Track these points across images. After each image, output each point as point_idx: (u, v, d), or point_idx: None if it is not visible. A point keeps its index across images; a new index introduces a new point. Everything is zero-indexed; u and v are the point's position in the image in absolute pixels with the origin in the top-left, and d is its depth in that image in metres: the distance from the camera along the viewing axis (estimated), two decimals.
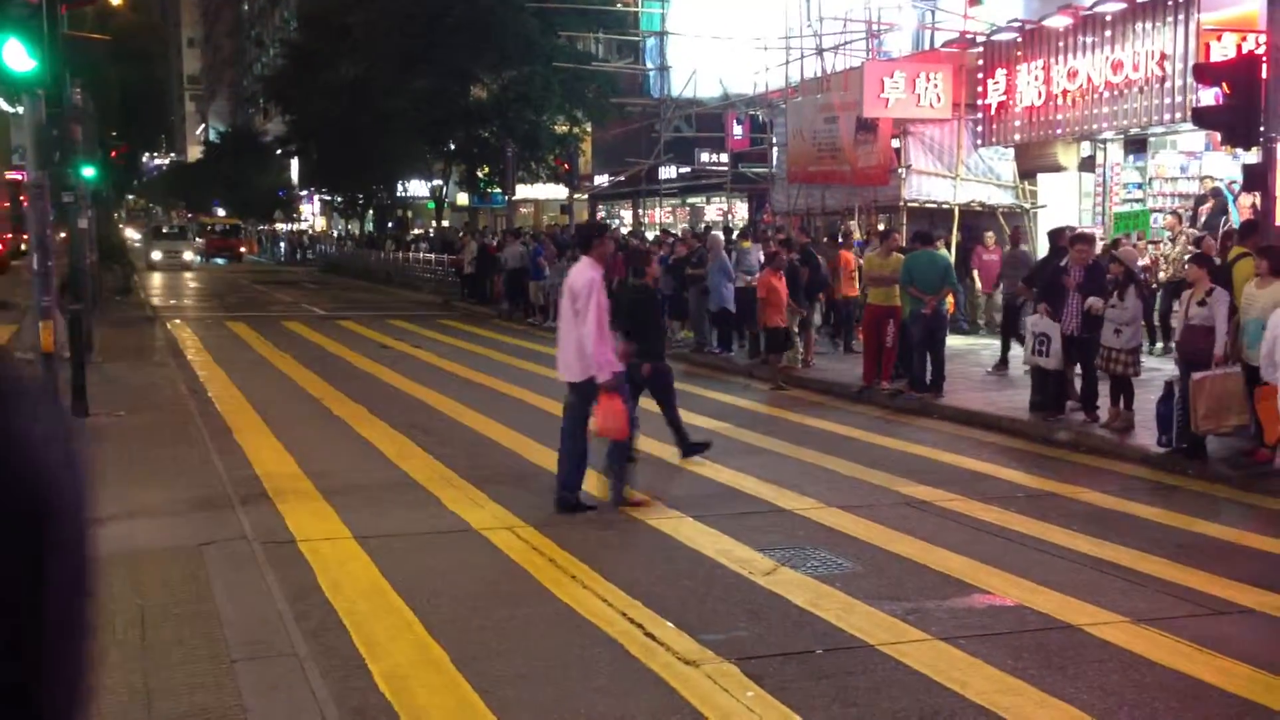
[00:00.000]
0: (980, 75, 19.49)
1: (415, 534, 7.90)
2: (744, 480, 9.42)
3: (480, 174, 41.37)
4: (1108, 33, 16.74)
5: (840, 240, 19.92)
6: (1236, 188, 15.50)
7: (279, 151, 61.86)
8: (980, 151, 20.33)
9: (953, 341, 15.34)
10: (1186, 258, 12.65)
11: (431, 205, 50.23)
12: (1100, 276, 11.26)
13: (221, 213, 77.67)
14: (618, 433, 8.33)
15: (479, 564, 7.24)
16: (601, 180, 43.64)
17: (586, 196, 44.78)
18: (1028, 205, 20.46)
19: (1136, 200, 18.60)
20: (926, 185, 20.42)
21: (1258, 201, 11.89)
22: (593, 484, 8.69)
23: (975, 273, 18.95)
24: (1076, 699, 5.13)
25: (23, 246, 33.18)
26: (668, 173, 36.37)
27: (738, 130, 30.62)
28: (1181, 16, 15.46)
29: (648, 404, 9.81)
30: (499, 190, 39.33)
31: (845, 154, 21.16)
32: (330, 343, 20.35)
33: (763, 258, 17.52)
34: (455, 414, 12.81)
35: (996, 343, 15.95)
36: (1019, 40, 18.57)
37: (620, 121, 37.78)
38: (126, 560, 7.00)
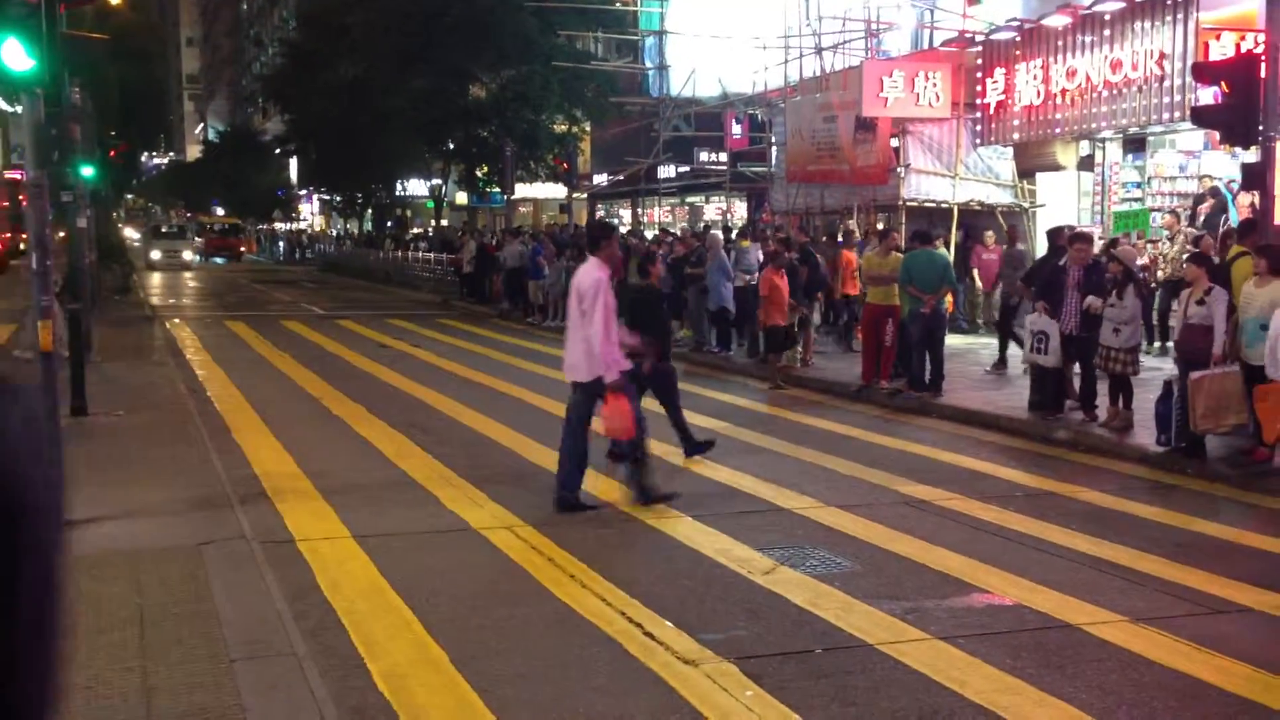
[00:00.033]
0: (979, 74, 19.50)
1: (414, 533, 7.90)
2: (743, 479, 9.42)
3: (479, 173, 41.36)
4: (1106, 32, 16.75)
5: (841, 240, 19.94)
6: (1235, 186, 15.50)
7: (278, 151, 61.86)
8: (979, 150, 20.34)
9: (952, 341, 15.35)
10: (1185, 257, 12.64)
11: (430, 204, 50.24)
12: (1099, 275, 11.27)
13: (220, 212, 77.68)
14: (623, 432, 8.34)
15: (478, 563, 7.24)
16: (600, 179, 43.65)
17: (585, 196, 44.79)
18: (1026, 204, 20.47)
19: (1135, 199, 18.60)
20: (925, 184, 20.43)
21: (1256, 200, 11.90)
22: (593, 484, 8.69)
23: (975, 272, 18.96)
24: (1075, 698, 5.13)
25: (21, 245, 33.17)
26: (667, 172, 36.36)
27: (736, 129, 30.62)
28: (1180, 15, 15.46)
29: (649, 404, 9.80)
30: (498, 189, 39.31)
31: (844, 153, 21.17)
32: (329, 342, 20.35)
33: (761, 257, 17.54)
34: (454, 413, 12.82)
35: (996, 342, 15.95)
36: (1018, 39, 18.58)
37: (619, 121, 37.78)
38: (125, 559, 7.01)
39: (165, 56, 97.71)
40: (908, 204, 20.20)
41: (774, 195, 26.28)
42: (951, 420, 12.39)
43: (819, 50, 23.64)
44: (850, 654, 5.66)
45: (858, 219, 21.71)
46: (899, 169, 20.28)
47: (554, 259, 23.44)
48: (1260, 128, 10.91)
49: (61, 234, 13.96)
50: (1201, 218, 15.86)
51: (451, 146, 41.08)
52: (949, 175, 20.20)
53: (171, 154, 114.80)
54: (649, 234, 28.84)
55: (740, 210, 35.57)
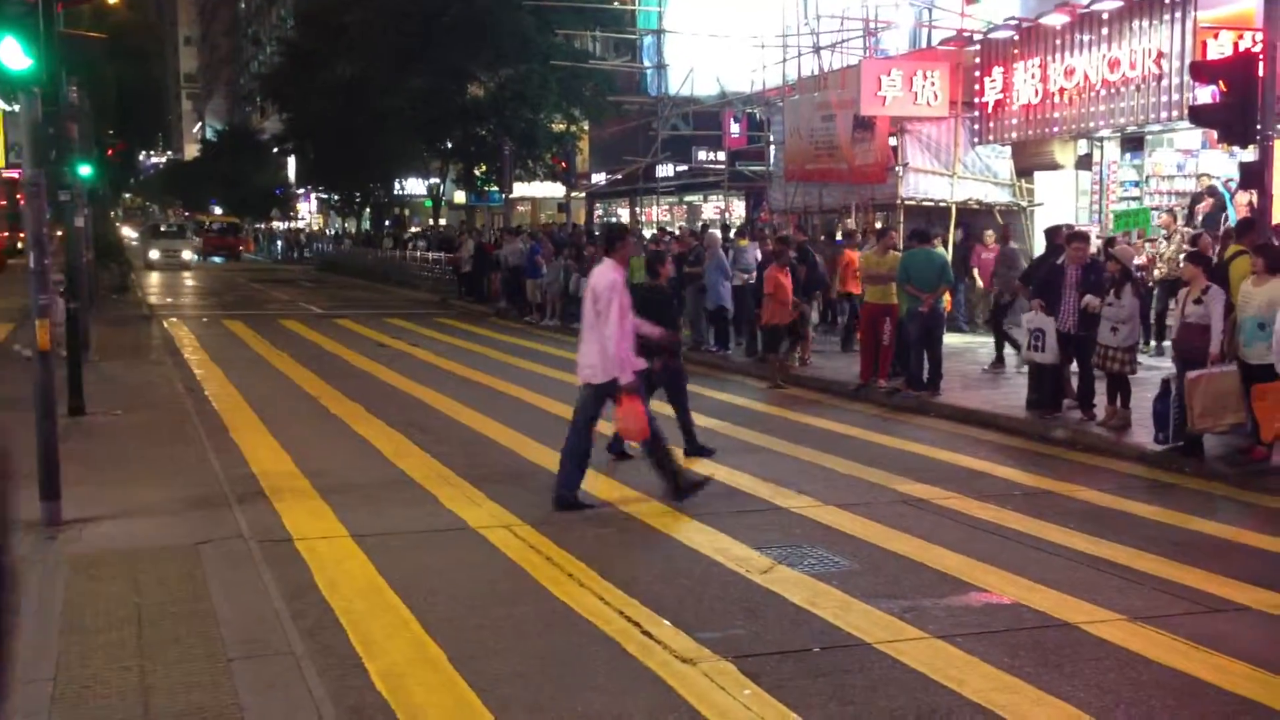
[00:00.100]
0: (977, 73, 19.50)
1: (412, 532, 7.90)
2: (741, 478, 9.42)
3: (477, 172, 41.35)
4: (1105, 31, 16.75)
5: (840, 239, 19.95)
6: (1233, 185, 15.50)
7: (276, 150, 61.78)
8: (977, 149, 20.34)
9: (950, 340, 15.35)
10: (1182, 256, 12.65)
11: (429, 203, 50.22)
12: (1098, 274, 11.27)
13: (218, 211, 77.64)
14: (639, 434, 8.35)
15: (476, 562, 7.24)
16: (599, 178, 43.65)
17: (584, 195, 44.78)
18: (1025, 203, 20.47)
19: (1133, 198, 18.60)
20: (924, 183, 20.43)
21: (1254, 199, 11.90)
22: (592, 483, 8.68)
23: (975, 271, 18.97)
24: (1073, 697, 5.14)
25: (19, 245, 33.14)
26: (665, 171, 36.37)
27: (735, 128, 30.62)
28: (1178, 14, 15.47)
29: (657, 405, 9.80)
30: (496, 189, 39.32)
31: (842, 152, 21.16)
32: (327, 341, 20.35)
33: (759, 255, 17.54)
34: (452, 412, 12.81)
35: (993, 341, 15.94)
36: (1016, 38, 18.58)
37: (617, 120, 37.78)
38: (123, 559, 7.01)
39: (163, 55, 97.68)
40: (906, 203, 20.19)
41: (772, 194, 26.28)
42: (949, 419, 12.39)
43: (817, 49, 23.62)
44: (848, 653, 5.67)
45: (856, 218, 21.71)
46: (897, 168, 20.28)
47: (552, 258, 23.45)
48: (1258, 126, 10.93)
49: (59, 233, 13.94)
50: (1200, 217, 15.86)
51: (449, 145, 41.06)
52: (947, 174, 20.20)
53: (169, 153, 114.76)
54: (646, 233, 28.84)
55: (738, 209, 35.57)
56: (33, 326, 7.81)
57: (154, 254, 49.43)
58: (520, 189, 42.08)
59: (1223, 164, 16.75)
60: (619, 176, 38.76)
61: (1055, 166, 19.94)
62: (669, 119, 31.51)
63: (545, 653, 5.68)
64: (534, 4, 33.28)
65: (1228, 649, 5.69)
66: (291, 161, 65.53)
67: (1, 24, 7.98)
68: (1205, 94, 13.35)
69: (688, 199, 41.06)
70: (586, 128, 41.35)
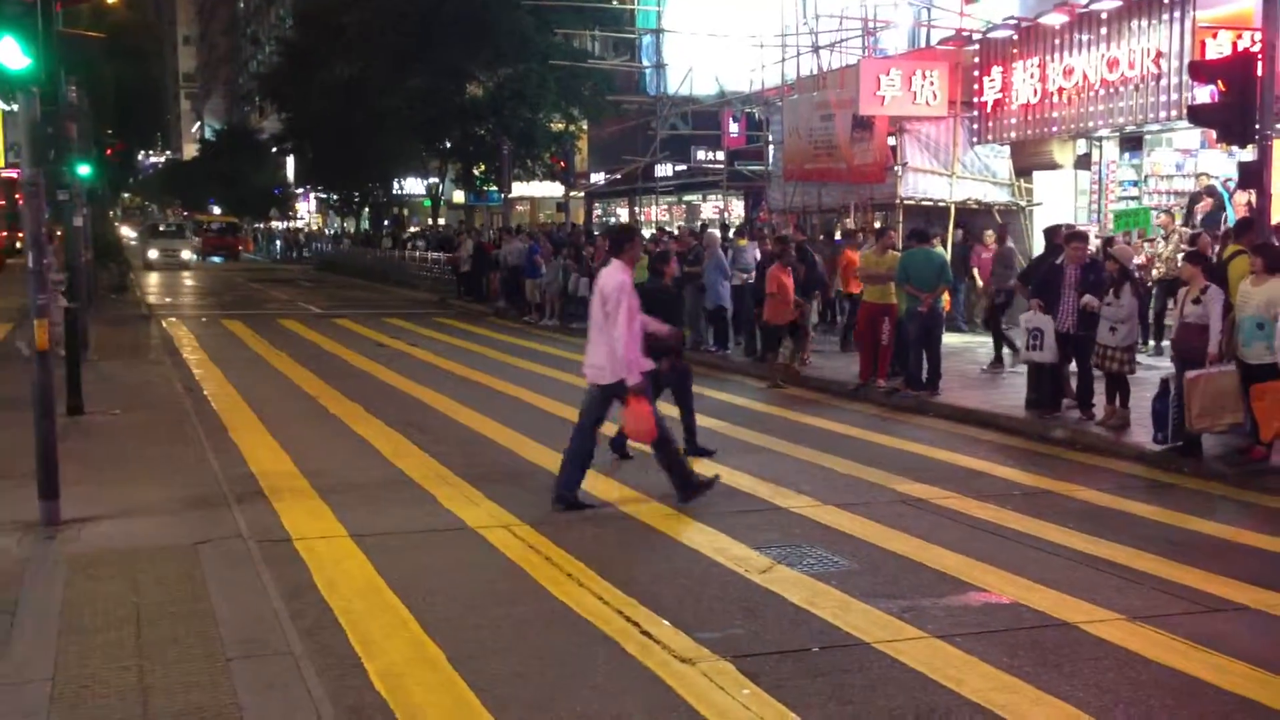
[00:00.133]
0: (976, 73, 19.50)
1: (411, 532, 7.89)
2: (740, 478, 9.41)
3: (476, 172, 41.35)
4: (1103, 30, 16.75)
5: (840, 238, 19.94)
6: (1232, 185, 15.51)
7: (274, 150, 61.78)
8: (976, 149, 20.34)
9: (949, 339, 15.36)
10: (1180, 255, 12.65)
11: (428, 203, 50.23)
12: (1097, 274, 11.27)
13: (217, 210, 77.59)
14: (645, 435, 8.35)
15: (475, 562, 7.24)
16: (598, 178, 43.64)
17: (583, 194, 44.78)
18: (1023, 203, 20.47)
19: (1132, 198, 18.61)
20: (922, 183, 20.42)
21: (1253, 199, 11.90)
22: (591, 483, 8.67)
23: (975, 271, 18.96)
24: (1072, 696, 5.14)
25: (18, 244, 33.13)
26: (664, 170, 36.38)
27: (734, 128, 30.60)
28: (1177, 14, 15.47)
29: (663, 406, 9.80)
30: (495, 188, 39.30)
31: (841, 151, 21.16)
32: (326, 341, 20.34)
33: (758, 255, 17.53)
34: (451, 412, 12.81)
35: (992, 340, 15.94)
36: (1015, 38, 18.58)
37: (616, 119, 37.78)
38: (122, 558, 7.01)
39: (162, 55, 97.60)
40: (905, 202, 20.19)
41: (771, 194, 26.28)
42: (948, 419, 12.39)
43: (816, 49, 23.62)
44: (847, 652, 5.67)
45: (855, 217, 21.71)
46: (896, 167, 20.28)
47: (550, 258, 23.45)
48: (1257, 126, 10.93)
49: (58, 233, 13.93)
50: (1199, 216, 15.87)
51: (448, 145, 41.06)
52: (946, 174, 20.19)
53: (168, 153, 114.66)
54: (645, 233, 28.84)
55: (737, 209, 35.57)
56: (32, 325, 7.80)
57: (153, 254, 49.33)
58: (519, 189, 42.06)
59: (1221, 163, 16.76)
60: (618, 176, 38.75)
61: (1054, 166, 19.94)
62: (668, 118, 31.51)
63: (544, 652, 5.68)
64: (533, 3, 33.28)
65: (1227, 648, 5.69)
66: (290, 161, 65.56)
67: (0, 23, 7.97)
68: (1204, 94, 13.35)
69: (686, 198, 41.07)
70: (585, 127, 41.35)
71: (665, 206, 41.84)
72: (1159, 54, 15.71)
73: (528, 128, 37.61)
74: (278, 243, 71.29)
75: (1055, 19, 17.56)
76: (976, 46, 19.81)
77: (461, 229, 40.47)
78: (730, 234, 21.02)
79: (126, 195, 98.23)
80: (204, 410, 12.68)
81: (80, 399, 11.97)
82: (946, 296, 15.33)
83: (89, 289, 19.36)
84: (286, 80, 49.07)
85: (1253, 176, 11.36)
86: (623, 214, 44.35)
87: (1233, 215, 14.65)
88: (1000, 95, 18.88)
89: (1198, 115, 12.69)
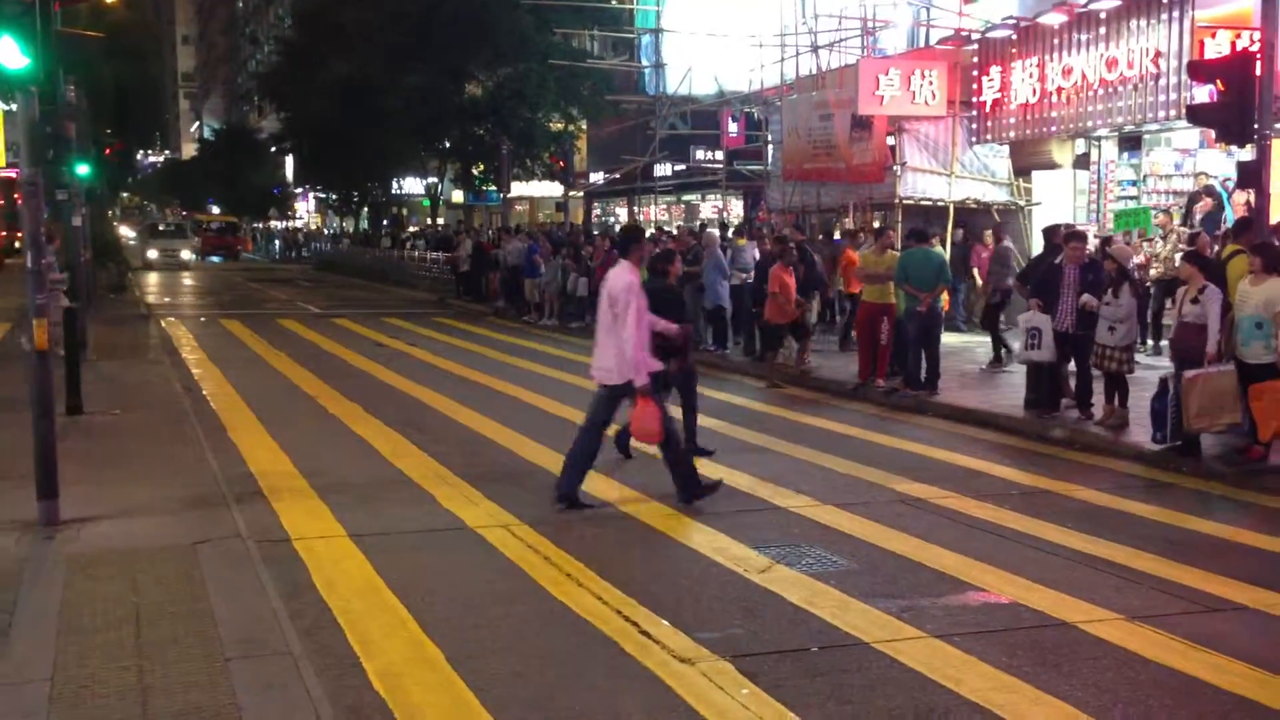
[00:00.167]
0: (975, 72, 19.50)
1: (410, 532, 7.89)
2: (739, 478, 9.41)
3: (475, 171, 41.34)
4: (1102, 30, 16.75)
5: (839, 238, 19.94)
6: (1230, 185, 15.51)
7: (273, 149, 61.76)
8: (975, 149, 20.34)
9: (948, 339, 15.36)
10: (1178, 255, 12.66)
11: (427, 203, 50.21)
12: (1096, 273, 11.27)
13: (216, 210, 77.56)
14: (652, 435, 8.35)
15: (474, 562, 7.24)
16: (597, 178, 43.64)
17: (582, 194, 44.79)
18: (1022, 202, 20.48)
19: (1131, 197, 18.61)
20: (921, 182, 20.43)
21: (1251, 199, 11.91)
22: (590, 483, 8.66)
23: (975, 271, 18.97)
24: (1071, 696, 5.14)
25: (16, 244, 33.13)
26: (663, 170, 36.39)
27: (733, 128, 30.64)
28: (1176, 14, 15.47)
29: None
30: (494, 188, 39.31)
31: (840, 151, 21.16)
32: (325, 340, 20.34)
33: (757, 255, 17.53)
34: (450, 412, 12.81)
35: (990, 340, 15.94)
36: (1014, 37, 18.58)
37: (615, 119, 37.78)
38: (121, 558, 7.01)
39: (160, 54, 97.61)
40: (904, 202, 20.20)
41: (770, 193, 26.28)
42: (947, 418, 12.39)
43: (815, 48, 23.63)
44: (846, 652, 5.67)
45: (853, 217, 21.71)
46: (895, 167, 20.28)
47: (549, 257, 23.44)
48: (1255, 126, 10.94)
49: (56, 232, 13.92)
50: (1200, 216, 15.87)
51: (447, 145, 41.06)
52: (945, 173, 20.20)
53: (167, 152, 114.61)
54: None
55: (737, 208, 35.58)
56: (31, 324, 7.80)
57: (152, 253, 49.26)
58: (518, 188, 42.08)
59: (1220, 163, 16.77)
60: (617, 176, 38.75)
61: (1053, 166, 19.95)
62: (667, 118, 31.52)
63: (543, 652, 5.68)
64: (532, 3, 33.28)
65: (1225, 648, 5.70)
66: (289, 161, 65.48)
67: None
68: (1203, 93, 13.35)
69: (686, 198, 41.07)
70: (584, 127, 41.36)
71: (664, 206, 41.85)
72: (1158, 53, 15.71)
73: (527, 127, 37.61)
74: (276, 242, 71.25)
75: (1054, 19, 17.56)
76: (975, 46, 19.81)
77: (460, 229, 40.47)
78: (729, 234, 21.02)
79: (125, 195, 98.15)
80: (203, 410, 12.68)
81: (79, 399, 11.97)
82: (945, 296, 15.34)
83: (88, 289, 19.35)
84: (285, 80, 49.05)
85: (1251, 176, 11.37)
86: (622, 214, 44.34)
87: (1231, 215, 14.65)
88: (999, 95, 18.89)
89: (1196, 115, 12.70)
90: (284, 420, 12.12)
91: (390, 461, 10.10)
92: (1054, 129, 18.14)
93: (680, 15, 30.84)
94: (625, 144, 36.62)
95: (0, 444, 9.91)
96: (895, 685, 5.26)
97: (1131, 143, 18.71)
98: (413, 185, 52.93)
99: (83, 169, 15.73)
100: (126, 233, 66.85)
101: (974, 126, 19.91)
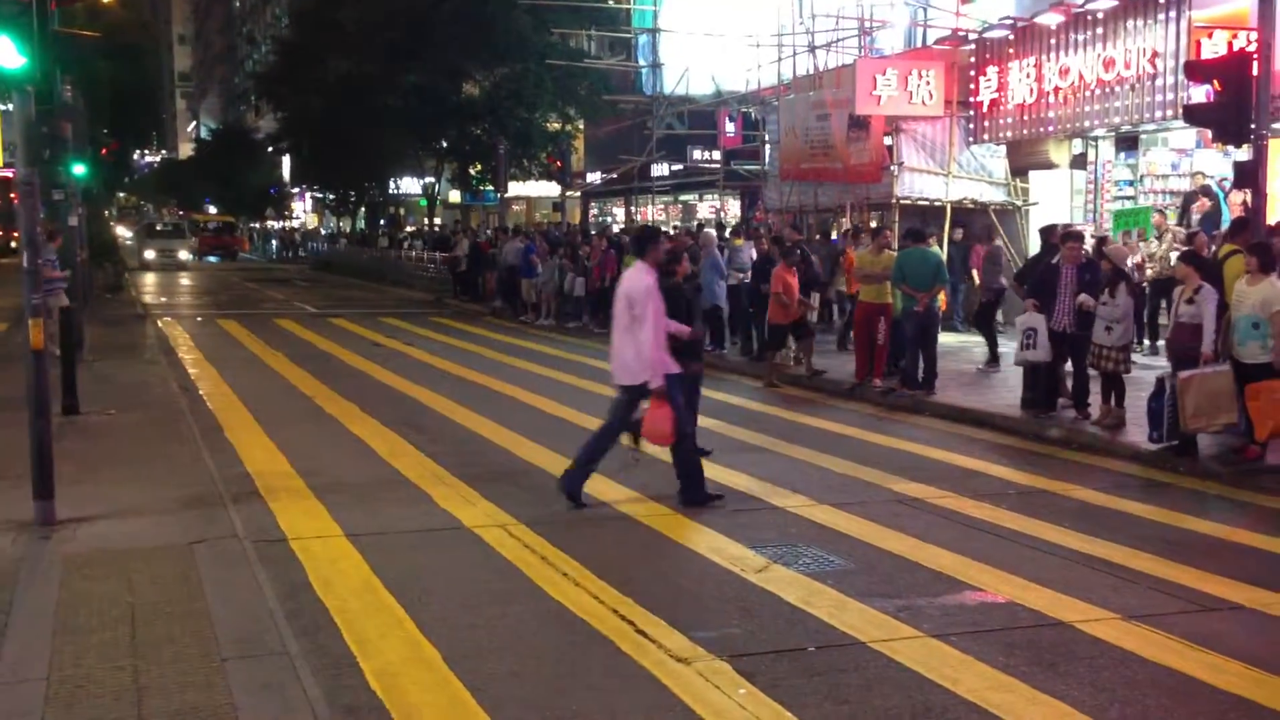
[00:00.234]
0: (972, 72, 19.50)
1: (407, 532, 7.89)
2: (736, 477, 9.41)
3: (472, 171, 41.32)
4: (1099, 30, 16.76)
5: (835, 238, 19.94)
6: (1227, 185, 15.53)
7: (270, 149, 61.72)
8: (972, 149, 20.34)
9: (945, 339, 15.36)
10: (1173, 255, 12.67)
11: (424, 202, 50.19)
12: (1094, 273, 11.28)
13: (213, 210, 77.51)
14: (664, 437, 8.34)
15: (471, 562, 7.23)
16: (594, 177, 43.64)
17: (579, 194, 44.79)
18: (1019, 202, 20.49)
19: (1128, 197, 18.62)
20: (919, 182, 20.43)
21: (1248, 198, 11.92)
22: (590, 483, 8.66)
23: (975, 270, 18.97)
24: (1068, 695, 5.14)
25: (13, 244, 33.09)
26: (660, 170, 36.40)
27: (730, 127, 30.66)
28: (1173, 14, 15.47)
29: None
30: (491, 188, 39.29)
31: (837, 151, 21.17)
32: (322, 340, 20.33)
33: (754, 255, 17.52)
34: (447, 411, 12.80)
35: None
36: (1011, 37, 18.58)
37: (613, 119, 37.77)
38: (117, 558, 7.00)
39: (157, 54, 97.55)
40: (901, 202, 20.20)
41: (767, 193, 26.28)
42: (944, 418, 12.40)
43: (812, 48, 23.63)
44: (843, 652, 5.67)
45: (851, 217, 21.71)
46: (892, 167, 20.28)
47: (546, 257, 23.44)
48: (1252, 125, 10.94)
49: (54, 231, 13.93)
50: (1197, 217, 15.88)
51: (445, 144, 41.04)
52: (942, 173, 20.21)
53: (164, 152, 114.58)
54: None
55: (734, 208, 35.59)
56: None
57: (149, 253, 49.24)
58: (515, 188, 42.05)
59: (1217, 163, 16.78)
60: (614, 176, 38.75)
61: (1050, 166, 19.95)
62: (664, 118, 31.52)
63: (540, 652, 5.68)
64: (530, 2, 33.26)
65: (1222, 648, 5.70)
66: (286, 160, 65.43)
67: None
68: (1200, 93, 13.37)
69: (683, 198, 41.07)
70: (582, 127, 41.35)
71: (661, 206, 41.85)
72: (1155, 54, 15.72)
73: (524, 127, 37.60)
74: (273, 242, 71.20)
75: (1051, 19, 17.57)
76: (973, 46, 19.82)
77: (458, 228, 40.46)
78: (726, 234, 21.01)
79: (122, 195, 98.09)
80: (199, 410, 12.67)
81: (76, 399, 11.97)
82: (943, 296, 15.34)
83: (84, 289, 19.34)
84: (282, 79, 48.97)
85: (1248, 176, 11.37)
86: (619, 214, 44.33)
87: (1227, 215, 14.66)
88: (996, 95, 18.89)
89: (1193, 115, 12.70)
90: (281, 420, 12.11)
91: (387, 461, 10.10)
92: (1051, 129, 18.15)
93: (677, 15, 30.84)
94: (622, 144, 36.62)
95: None
96: (892, 685, 5.26)
97: (1128, 143, 18.72)
98: (410, 185, 52.91)
99: (79, 169, 15.73)
100: (123, 233, 66.91)
101: (971, 126, 19.91)
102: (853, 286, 17.49)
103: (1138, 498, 8.89)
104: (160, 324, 23.17)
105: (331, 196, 59.68)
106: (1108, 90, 16.62)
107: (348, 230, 61.12)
